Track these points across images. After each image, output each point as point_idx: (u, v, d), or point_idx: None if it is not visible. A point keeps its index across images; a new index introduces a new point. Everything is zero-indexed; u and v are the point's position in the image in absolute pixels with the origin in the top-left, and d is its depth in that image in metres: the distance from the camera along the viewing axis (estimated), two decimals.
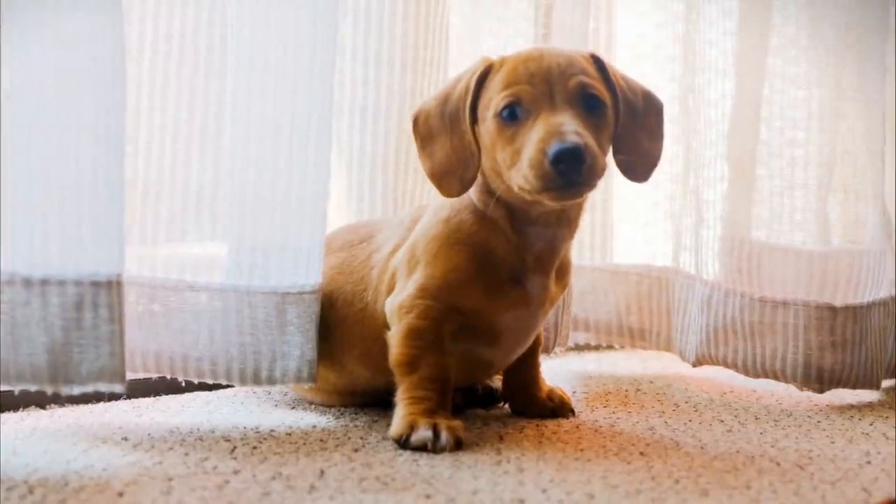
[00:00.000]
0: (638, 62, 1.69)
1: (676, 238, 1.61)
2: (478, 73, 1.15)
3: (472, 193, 1.18)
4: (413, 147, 1.41)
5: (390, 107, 1.44)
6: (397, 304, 1.17)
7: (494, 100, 1.11)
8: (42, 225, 1.04)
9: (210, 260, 1.23)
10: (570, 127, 1.06)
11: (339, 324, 1.24)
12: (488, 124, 1.12)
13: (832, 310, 1.45)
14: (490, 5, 1.56)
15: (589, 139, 1.06)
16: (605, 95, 1.13)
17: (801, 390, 1.47)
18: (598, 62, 1.16)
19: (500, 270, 1.16)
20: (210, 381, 1.23)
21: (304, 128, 1.20)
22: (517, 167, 1.08)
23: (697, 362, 1.54)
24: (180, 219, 1.23)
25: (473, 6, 1.56)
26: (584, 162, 1.04)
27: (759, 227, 1.53)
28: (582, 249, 1.67)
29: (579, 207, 1.19)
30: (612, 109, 1.14)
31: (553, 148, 1.04)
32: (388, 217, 1.39)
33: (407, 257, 1.19)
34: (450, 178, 1.16)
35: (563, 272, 1.23)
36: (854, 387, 1.46)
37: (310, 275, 1.22)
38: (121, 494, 0.92)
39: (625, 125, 1.16)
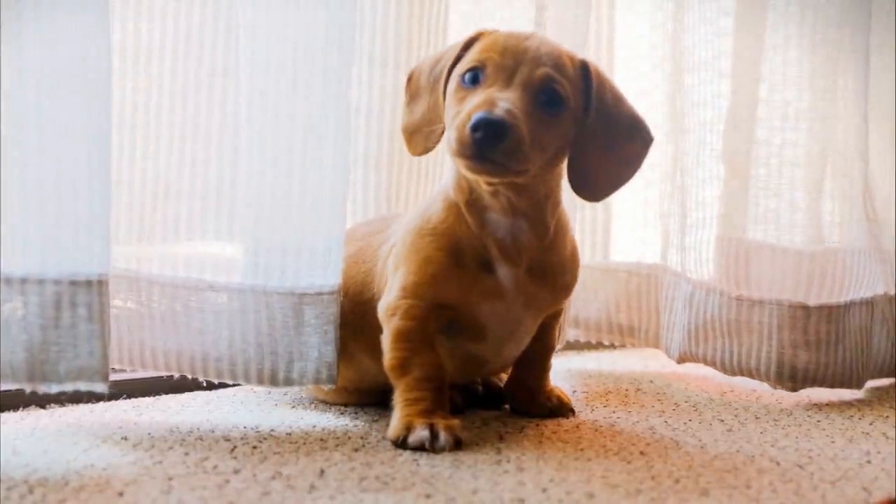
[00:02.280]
0: (638, 63, 1.69)
1: (665, 236, 1.61)
2: (467, 38, 1.17)
3: (449, 181, 1.18)
4: (405, 149, 1.41)
5: (383, 107, 1.44)
6: (384, 307, 1.17)
7: (464, 63, 1.13)
8: (23, 224, 1.04)
9: (230, 260, 1.24)
10: (504, 104, 1.06)
11: (350, 313, 1.24)
12: (451, 85, 1.14)
13: (805, 309, 1.45)
14: (491, 3, 1.56)
15: (521, 123, 1.06)
16: (570, 98, 1.12)
17: (774, 388, 1.48)
18: (584, 69, 1.15)
19: (468, 258, 1.16)
20: (230, 382, 1.23)
21: (321, 128, 1.21)
22: (451, 128, 1.09)
23: (681, 359, 1.54)
24: (200, 218, 1.24)
25: (474, 4, 1.56)
26: (503, 139, 1.04)
27: (747, 227, 1.53)
28: (583, 248, 1.66)
29: (532, 201, 1.16)
30: (572, 114, 1.13)
31: (476, 115, 1.04)
32: (406, 211, 1.39)
33: (394, 255, 1.20)
34: (417, 135, 1.19)
35: (550, 274, 1.20)
36: (831, 386, 1.47)
37: (327, 275, 1.22)
38: (121, 494, 0.92)
39: (592, 139, 1.14)
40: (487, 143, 1.04)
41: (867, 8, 1.52)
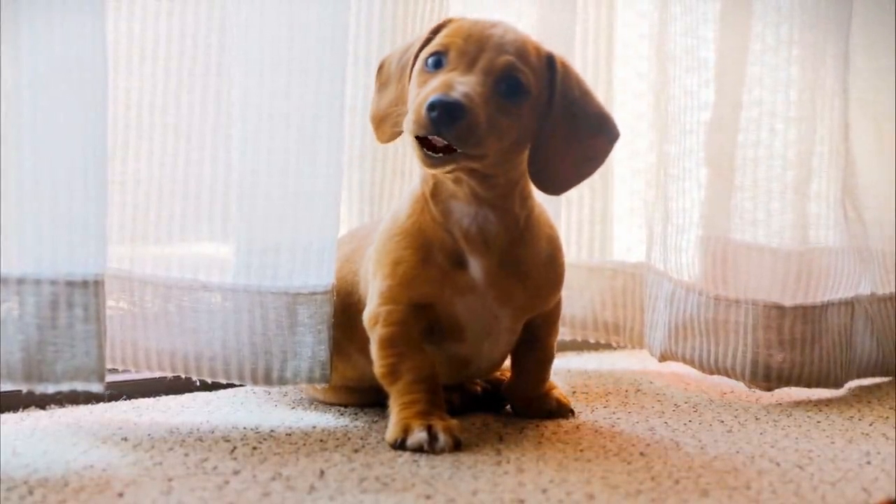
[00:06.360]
0: (637, 62, 1.69)
1: (650, 234, 1.61)
2: (435, 25, 1.16)
3: (418, 175, 1.18)
4: (392, 146, 1.41)
5: (368, 106, 1.43)
6: (367, 316, 1.18)
7: (429, 48, 1.13)
8: (19, 224, 1.05)
9: (223, 260, 1.24)
10: (461, 87, 1.06)
11: (344, 313, 1.24)
12: (416, 69, 1.13)
13: (780, 309, 1.46)
14: (490, 4, 1.56)
15: (478, 108, 1.05)
16: (533, 88, 1.11)
17: (750, 388, 1.49)
18: (549, 61, 1.15)
19: (438, 254, 1.16)
20: (223, 381, 1.23)
21: (315, 127, 1.21)
22: (410, 110, 1.09)
23: (662, 358, 1.55)
24: (193, 218, 1.24)
25: (468, 6, 1.55)
26: (458, 120, 1.03)
27: (729, 227, 1.53)
28: (569, 246, 1.66)
29: (497, 191, 1.15)
30: (535, 104, 1.12)
31: (433, 97, 1.04)
32: None
33: (373, 260, 1.20)
34: (385, 123, 1.18)
35: (524, 270, 1.18)
36: (808, 385, 1.47)
37: (321, 275, 1.22)
38: (121, 495, 0.92)
39: (555, 131, 1.14)
40: (442, 123, 1.03)
41: (847, 10, 1.52)
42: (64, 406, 1.26)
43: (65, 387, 1.06)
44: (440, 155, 1.06)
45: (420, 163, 1.09)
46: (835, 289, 1.51)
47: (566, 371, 1.62)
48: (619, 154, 1.70)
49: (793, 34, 1.50)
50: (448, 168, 1.09)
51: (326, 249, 1.23)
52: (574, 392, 1.45)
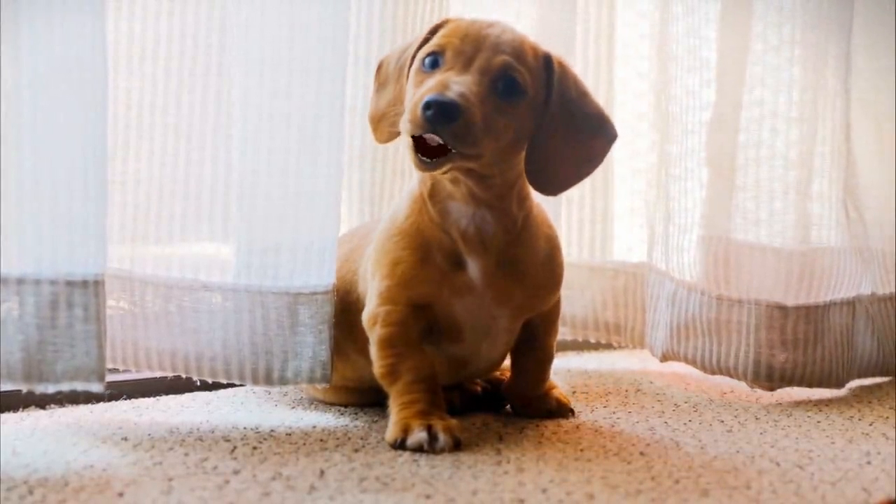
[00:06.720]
0: (638, 62, 1.69)
1: (651, 234, 1.61)
2: (433, 25, 1.16)
3: (416, 174, 1.18)
4: (392, 146, 1.41)
5: (368, 105, 1.43)
6: (367, 317, 1.18)
7: (426, 48, 1.13)
8: (19, 224, 1.05)
9: (224, 260, 1.24)
10: (457, 87, 1.05)
11: (343, 312, 1.24)
12: (413, 69, 1.13)
13: (783, 309, 1.46)
14: (489, 4, 1.56)
15: (474, 107, 1.05)
16: (529, 88, 1.11)
17: (752, 388, 1.49)
18: (547, 61, 1.15)
19: (436, 254, 1.16)
20: (224, 381, 1.24)
21: (315, 127, 1.21)
22: (406, 110, 1.08)
23: (664, 358, 1.55)
24: (194, 218, 1.24)
25: (467, 6, 1.55)
26: (453, 120, 1.03)
27: (730, 227, 1.53)
28: (570, 246, 1.66)
29: (494, 192, 1.14)
30: (531, 104, 1.12)
31: (429, 96, 1.04)
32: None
33: (371, 261, 1.20)
34: (383, 122, 1.18)
35: (522, 270, 1.18)
36: (810, 385, 1.48)
37: (322, 275, 1.22)
38: (121, 494, 0.92)
39: (552, 131, 1.13)
40: (438, 122, 1.03)
41: (849, 10, 1.52)
42: (64, 406, 1.26)
43: (65, 387, 1.06)
44: (434, 160, 1.06)
45: (414, 166, 1.09)
46: (836, 289, 1.51)
47: (566, 371, 1.62)
48: (619, 154, 1.70)
49: (794, 34, 1.50)
50: (442, 170, 1.09)
51: (327, 249, 1.23)
52: (574, 392, 1.45)
